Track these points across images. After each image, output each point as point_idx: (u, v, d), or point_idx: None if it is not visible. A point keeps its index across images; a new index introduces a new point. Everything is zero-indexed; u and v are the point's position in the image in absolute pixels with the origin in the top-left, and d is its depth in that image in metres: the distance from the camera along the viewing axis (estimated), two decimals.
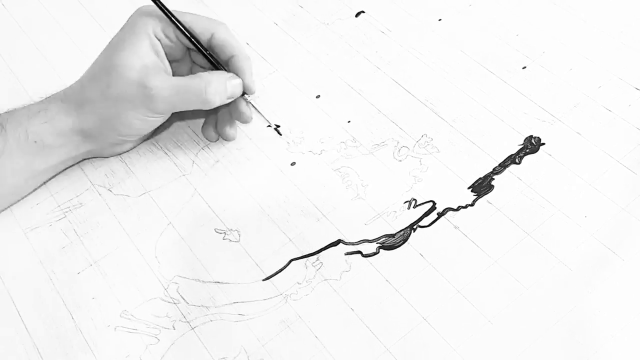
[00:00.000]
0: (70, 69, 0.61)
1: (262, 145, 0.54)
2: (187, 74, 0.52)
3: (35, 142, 0.48)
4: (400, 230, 0.48)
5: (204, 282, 0.47)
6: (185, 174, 0.53)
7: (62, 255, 0.49)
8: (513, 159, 0.51)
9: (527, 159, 0.51)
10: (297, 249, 0.48)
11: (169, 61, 0.51)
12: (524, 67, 0.56)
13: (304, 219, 0.49)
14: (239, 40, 0.51)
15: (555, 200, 0.48)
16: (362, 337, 0.43)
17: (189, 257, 0.48)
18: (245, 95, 0.51)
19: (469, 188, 0.50)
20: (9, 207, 0.52)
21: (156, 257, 0.48)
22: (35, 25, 0.66)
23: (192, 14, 0.50)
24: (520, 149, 0.51)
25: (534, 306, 0.44)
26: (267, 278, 0.47)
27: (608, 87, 0.54)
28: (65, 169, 0.53)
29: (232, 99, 0.50)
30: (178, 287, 0.47)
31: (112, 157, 0.54)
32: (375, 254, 0.47)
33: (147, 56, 0.48)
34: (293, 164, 0.53)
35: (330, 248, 0.48)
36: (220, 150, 0.54)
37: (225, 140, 0.54)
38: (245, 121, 0.52)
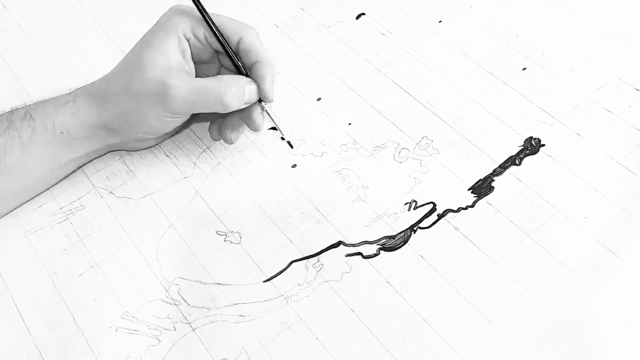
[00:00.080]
0: (70, 69, 0.62)
1: (263, 148, 0.54)
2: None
3: (62, 133, 0.49)
4: (401, 232, 0.48)
5: (205, 283, 0.47)
6: (187, 176, 0.53)
7: (64, 257, 0.49)
8: (513, 160, 0.51)
9: (527, 160, 0.51)
10: (297, 250, 0.48)
11: (196, 62, 0.51)
12: (524, 69, 0.56)
13: (304, 221, 0.49)
14: (266, 47, 0.51)
15: (555, 201, 0.48)
16: (362, 338, 0.44)
17: (190, 259, 0.48)
18: (262, 103, 0.50)
19: (469, 189, 0.50)
20: (33, 198, 0.52)
21: (157, 258, 0.49)
22: (35, 25, 0.67)
23: (224, 16, 0.50)
24: (520, 150, 0.51)
25: (534, 307, 0.44)
26: (268, 279, 0.47)
27: (608, 88, 0.54)
28: (89, 161, 0.54)
29: (248, 105, 0.50)
30: (179, 288, 0.47)
31: (113, 160, 0.54)
32: (375, 255, 0.47)
33: (173, 56, 0.48)
34: (294, 166, 0.53)
35: (331, 249, 0.48)
36: (222, 153, 0.54)
37: (226, 143, 0.54)
38: (255, 129, 0.51)
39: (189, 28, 0.49)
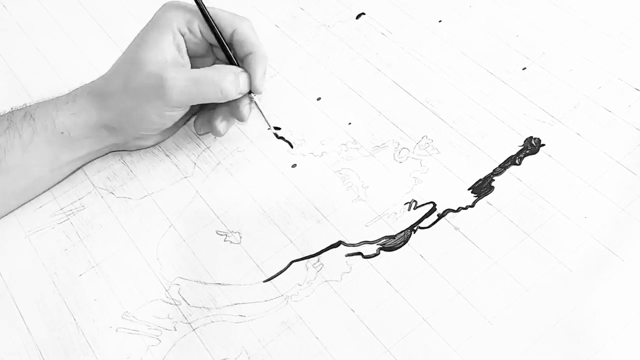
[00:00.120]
0: (70, 69, 0.62)
1: (263, 148, 0.54)
2: None
3: (62, 133, 0.49)
4: (401, 232, 0.48)
5: (205, 283, 0.47)
6: (187, 176, 0.53)
7: (65, 257, 0.49)
8: (513, 160, 0.51)
9: (527, 160, 0.51)
10: (297, 250, 0.48)
11: (192, 57, 0.51)
12: (524, 68, 0.56)
13: (304, 221, 0.49)
14: (260, 38, 0.51)
15: (555, 201, 0.48)
16: (362, 338, 0.44)
17: (190, 259, 0.48)
18: (252, 94, 0.51)
19: (469, 189, 0.50)
20: (33, 199, 0.52)
21: (158, 258, 0.49)
22: (35, 25, 0.67)
23: (218, 8, 0.51)
24: (520, 150, 0.51)
25: (534, 307, 0.44)
26: (268, 279, 0.47)
27: (608, 87, 0.54)
28: (90, 161, 0.54)
29: (241, 95, 0.50)
30: (179, 288, 0.47)
31: (113, 161, 0.54)
32: (375, 255, 0.47)
33: (168, 51, 0.49)
34: (294, 166, 0.53)
35: (331, 249, 0.48)
36: (222, 153, 0.54)
37: (215, 135, 0.54)
38: (241, 119, 0.52)
39: (184, 22, 0.50)
